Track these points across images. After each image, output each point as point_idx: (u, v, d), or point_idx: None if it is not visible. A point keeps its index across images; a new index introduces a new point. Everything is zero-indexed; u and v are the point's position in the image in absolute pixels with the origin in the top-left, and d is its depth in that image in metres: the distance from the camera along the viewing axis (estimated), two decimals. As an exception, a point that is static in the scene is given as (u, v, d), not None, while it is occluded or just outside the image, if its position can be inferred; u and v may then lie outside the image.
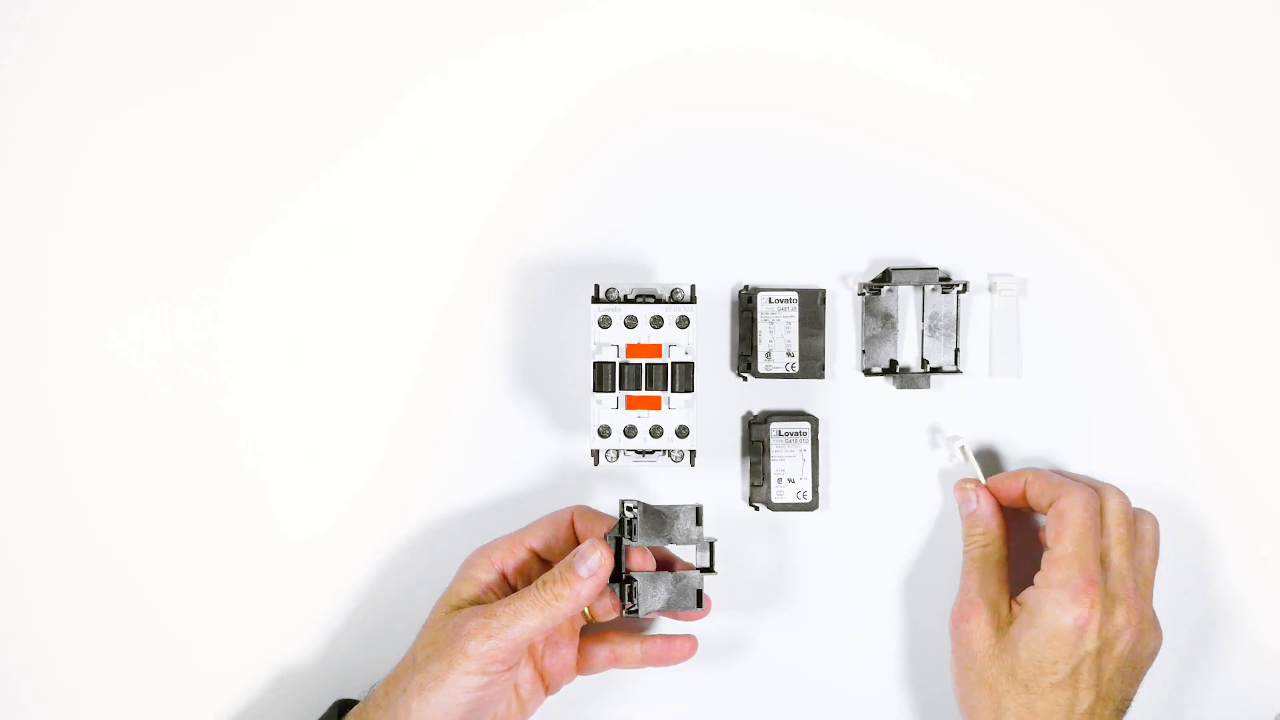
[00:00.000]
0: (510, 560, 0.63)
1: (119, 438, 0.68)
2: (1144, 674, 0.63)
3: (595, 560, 0.59)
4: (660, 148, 0.69)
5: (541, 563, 0.64)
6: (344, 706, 0.63)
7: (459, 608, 0.61)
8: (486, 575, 0.62)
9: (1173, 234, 0.69)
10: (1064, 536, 0.62)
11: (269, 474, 0.68)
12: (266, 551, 0.68)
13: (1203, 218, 0.69)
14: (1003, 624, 0.62)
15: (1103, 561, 0.61)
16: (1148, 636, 0.62)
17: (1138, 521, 0.64)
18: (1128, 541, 0.62)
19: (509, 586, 0.63)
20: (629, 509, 0.61)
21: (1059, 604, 0.60)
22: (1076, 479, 0.65)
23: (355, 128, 0.69)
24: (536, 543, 0.63)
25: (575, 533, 0.64)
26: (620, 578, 0.61)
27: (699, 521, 0.62)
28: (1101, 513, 0.63)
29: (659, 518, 0.62)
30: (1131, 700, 0.62)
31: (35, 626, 0.68)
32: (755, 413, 0.69)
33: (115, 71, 0.69)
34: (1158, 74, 0.70)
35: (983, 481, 0.66)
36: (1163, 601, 0.68)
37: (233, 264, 0.69)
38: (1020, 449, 0.69)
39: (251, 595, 0.68)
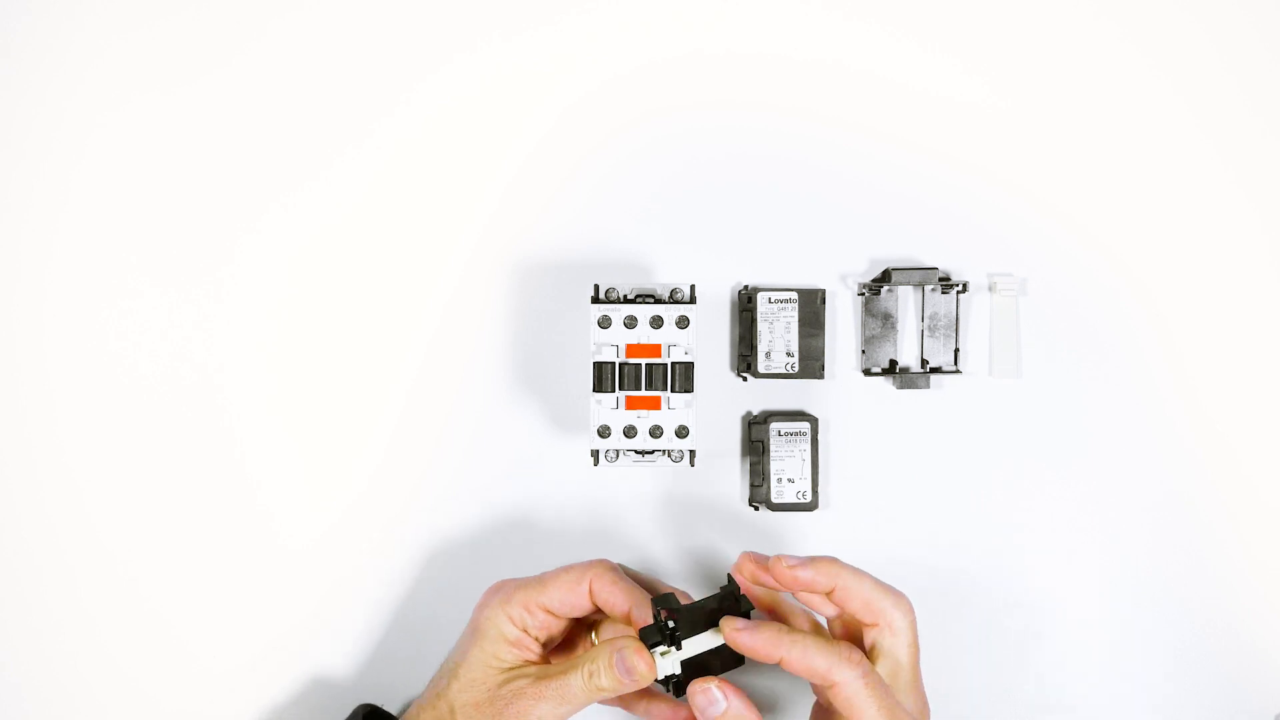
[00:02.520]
0: (530, 619, 0.62)
1: (118, 437, 0.68)
2: None
3: (637, 674, 0.58)
4: (660, 148, 0.69)
5: (559, 620, 0.62)
6: (370, 714, 0.63)
7: (506, 671, 0.61)
8: (513, 633, 0.61)
9: (1173, 234, 0.69)
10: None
11: (269, 475, 0.68)
12: (265, 552, 0.68)
13: (1203, 218, 0.69)
14: None
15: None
16: None
17: (907, 615, 0.60)
18: (915, 667, 0.59)
19: (536, 642, 0.62)
20: (668, 620, 0.58)
21: None
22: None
23: (355, 127, 0.69)
24: (555, 605, 0.62)
25: (595, 602, 0.62)
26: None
27: (741, 603, 0.59)
28: (878, 648, 0.59)
29: (699, 610, 0.59)
30: None
31: (35, 631, 0.68)
32: (755, 413, 0.69)
33: (112, 68, 0.69)
34: (1159, 74, 0.70)
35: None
36: (1164, 601, 0.68)
37: (231, 264, 0.69)
38: (1020, 449, 0.69)
39: (247, 596, 0.68)
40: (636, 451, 0.64)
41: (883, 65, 0.69)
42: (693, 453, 0.63)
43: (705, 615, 0.59)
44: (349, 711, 0.66)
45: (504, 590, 0.62)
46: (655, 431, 0.62)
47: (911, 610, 0.60)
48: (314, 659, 0.68)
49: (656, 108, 0.69)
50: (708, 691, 0.58)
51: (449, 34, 0.69)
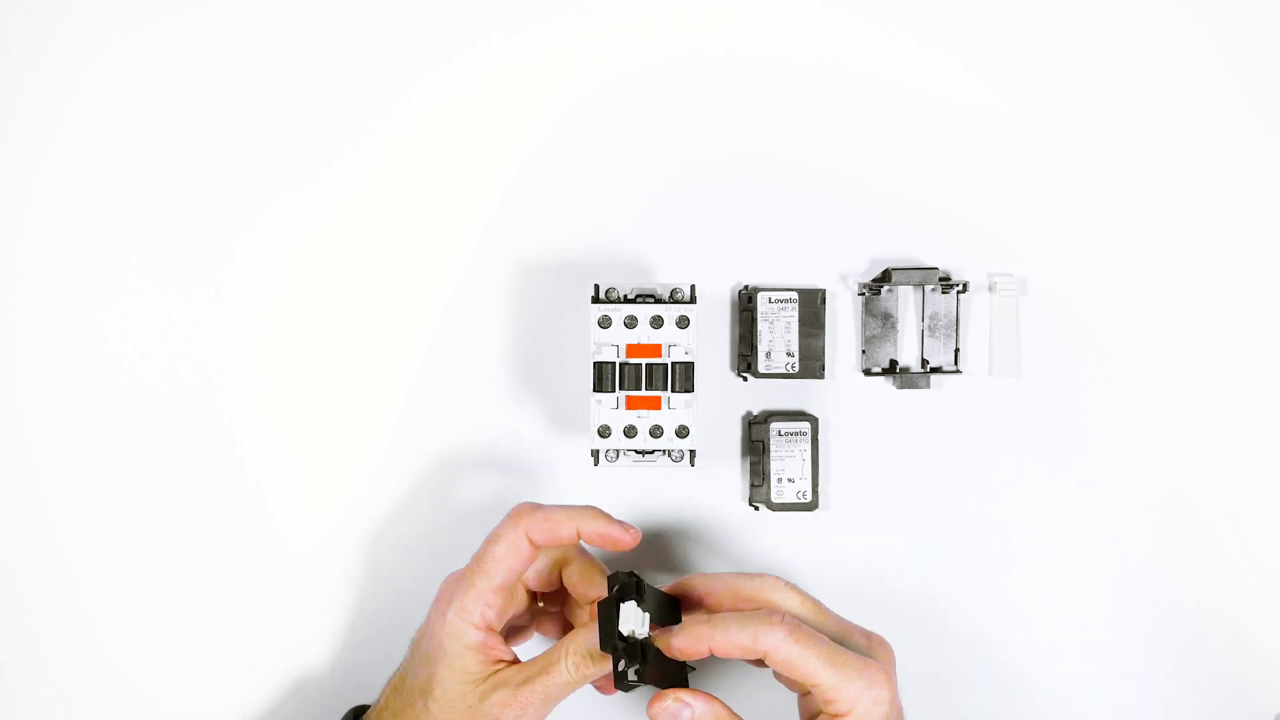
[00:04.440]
0: (491, 614, 0.60)
1: (118, 437, 0.68)
2: None
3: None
4: (660, 147, 0.69)
5: (513, 597, 0.62)
6: (359, 712, 0.63)
7: (481, 683, 0.59)
8: (477, 637, 0.59)
9: (1173, 234, 0.69)
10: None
11: (268, 475, 0.68)
12: (265, 552, 0.68)
13: (1203, 218, 0.69)
14: None
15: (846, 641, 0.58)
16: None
17: (801, 596, 0.58)
18: (825, 627, 0.58)
19: (499, 635, 0.60)
20: (627, 589, 0.57)
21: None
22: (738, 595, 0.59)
23: (354, 127, 0.69)
24: (506, 581, 0.60)
25: (533, 543, 0.60)
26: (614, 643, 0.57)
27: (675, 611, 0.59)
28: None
29: (653, 596, 0.59)
30: None
31: (35, 631, 0.68)
32: (755, 413, 0.69)
33: (112, 68, 0.69)
34: (1159, 74, 0.70)
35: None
36: (1164, 601, 0.68)
37: (231, 264, 0.69)
38: (1020, 449, 0.69)
39: (248, 595, 0.68)
40: (636, 451, 0.64)
41: (883, 65, 0.69)
42: (693, 453, 0.63)
43: (653, 604, 0.58)
44: (343, 712, 0.66)
45: (456, 597, 0.60)
46: (655, 431, 0.62)
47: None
48: (313, 659, 0.68)
49: (656, 108, 0.69)
50: (667, 706, 0.56)
51: (449, 34, 0.69)
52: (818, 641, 0.56)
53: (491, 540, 0.60)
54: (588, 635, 0.58)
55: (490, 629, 0.60)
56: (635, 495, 0.69)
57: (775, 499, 0.67)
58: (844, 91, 0.69)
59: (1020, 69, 0.69)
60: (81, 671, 0.68)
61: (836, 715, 0.56)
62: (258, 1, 0.69)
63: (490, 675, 0.59)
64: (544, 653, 0.59)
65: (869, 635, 0.59)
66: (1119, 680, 0.69)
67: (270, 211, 0.69)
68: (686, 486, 0.69)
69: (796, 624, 0.56)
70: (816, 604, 0.59)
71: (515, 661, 0.60)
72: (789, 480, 0.67)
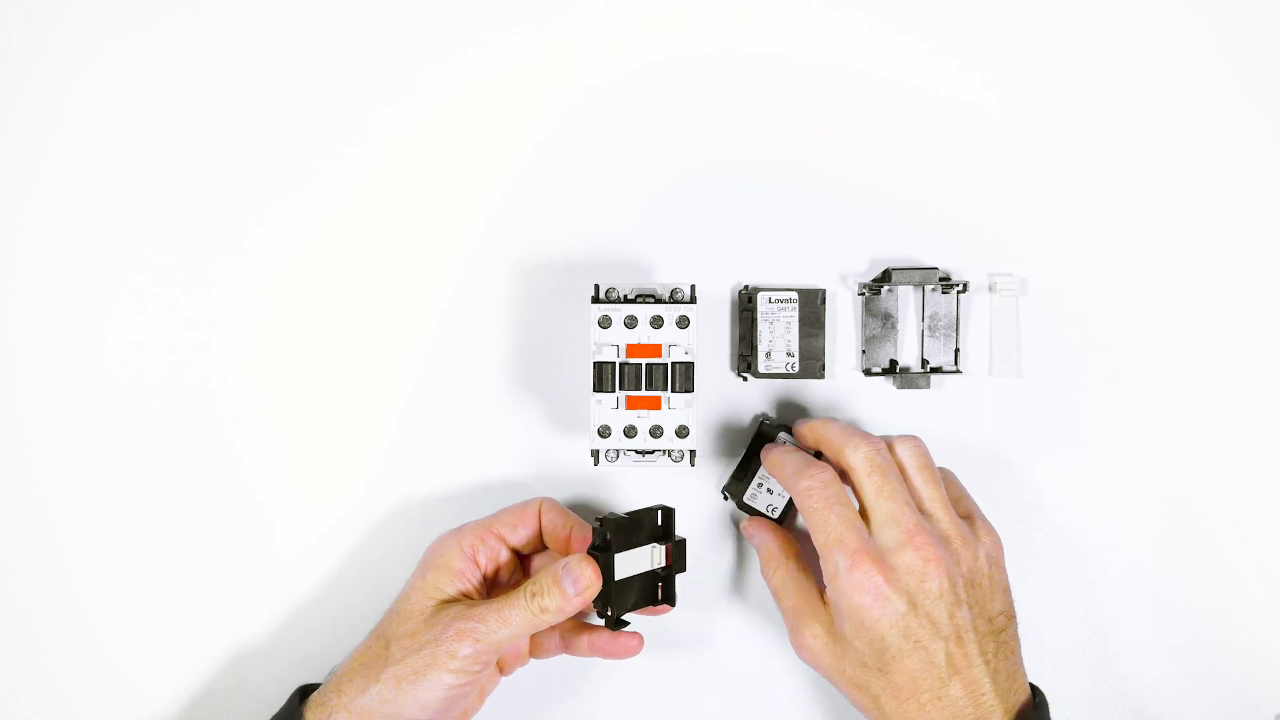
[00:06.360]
0: (481, 547, 0.64)
1: (118, 437, 0.68)
2: (1001, 583, 0.60)
3: (584, 582, 0.60)
4: (660, 147, 0.69)
5: (510, 550, 0.65)
6: (306, 691, 0.64)
7: (443, 602, 0.62)
8: (460, 563, 0.63)
9: (1173, 234, 0.69)
10: (863, 495, 0.60)
11: (268, 473, 0.68)
12: (264, 553, 0.68)
13: (1203, 218, 0.69)
14: (829, 625, 0.60)
15: (920, 507, 0.60)
16: (981, 551, 0.60)
17: (919, 455, 0.62)
18: (933, 481, 0.61)
19: (480, 573, 0.64)
20: (597, 531, 0.61)
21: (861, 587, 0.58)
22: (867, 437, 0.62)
23: (354, 128, 0.69)
24: (506, 531, 0.64)
25: (541, 527, 0.65)
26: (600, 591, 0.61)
27: (669, 522, 0.63)
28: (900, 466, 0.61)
29: (631, 524, 0.62)
30: (1009, 609, 0.60)
31: (35, 631, 0.68)
32: (764, 414, 0.69)
33: (113, 70, 0.69)
34: (1159, 74, 0.70)
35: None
36: (1164, 601, 0.68)
37: (231, 265, 0.69)
38: (1020, 449, 0.69)
39: (247, 595, 0.68)
40: (636, 451, 0.64)
41: (883, 65, 0.69)
42: (693, 453, 0.63)
43: (639, 531, 0.62)
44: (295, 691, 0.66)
45: (453, 529, 0.65)
46: (655, 431, 0.62)
47: (864, 446, 0.61)
48: (313, 659, 0.68)
49: (656, 108, 0.69)
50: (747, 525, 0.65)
51: (449, 34, 0.69)
52: (886, 479, 0.60)
53: (510, 505, 0.65)
54: (549, 572, 0.60)
55: (474, 562, 0.63)
56: (635, 495, 0.69)
57: (748, 501, 0.67)
58: (844, 91, 0.69)
59: (1020, 69, 0.69)
60: (81, 670, 0.68)
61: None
62: (258, 3, 0.69)
63: (454, 599, 0.62)
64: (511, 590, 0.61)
65: (981, 522, 0.62)
66: (1118, 680, 0.69)
67: (270, 212, 0.69)
68: (686, 486, 0.69)
69: (885, 464, 0.60)
70: (935, 473, 0.62)
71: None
72: (768, 491, 0.67)
